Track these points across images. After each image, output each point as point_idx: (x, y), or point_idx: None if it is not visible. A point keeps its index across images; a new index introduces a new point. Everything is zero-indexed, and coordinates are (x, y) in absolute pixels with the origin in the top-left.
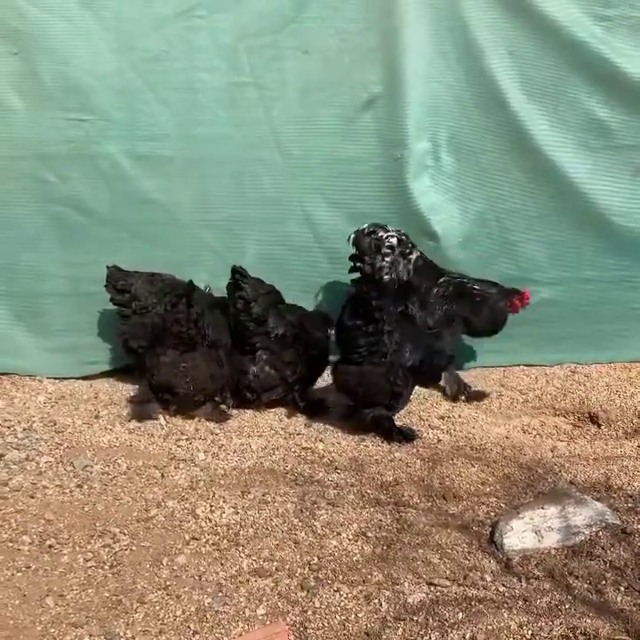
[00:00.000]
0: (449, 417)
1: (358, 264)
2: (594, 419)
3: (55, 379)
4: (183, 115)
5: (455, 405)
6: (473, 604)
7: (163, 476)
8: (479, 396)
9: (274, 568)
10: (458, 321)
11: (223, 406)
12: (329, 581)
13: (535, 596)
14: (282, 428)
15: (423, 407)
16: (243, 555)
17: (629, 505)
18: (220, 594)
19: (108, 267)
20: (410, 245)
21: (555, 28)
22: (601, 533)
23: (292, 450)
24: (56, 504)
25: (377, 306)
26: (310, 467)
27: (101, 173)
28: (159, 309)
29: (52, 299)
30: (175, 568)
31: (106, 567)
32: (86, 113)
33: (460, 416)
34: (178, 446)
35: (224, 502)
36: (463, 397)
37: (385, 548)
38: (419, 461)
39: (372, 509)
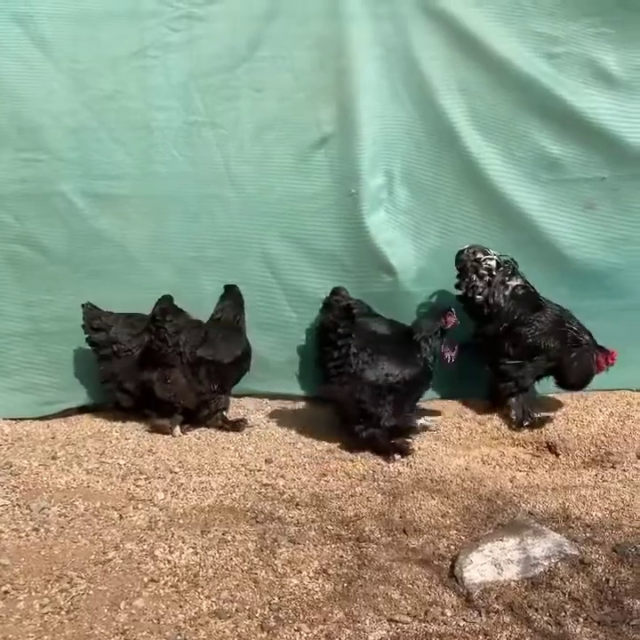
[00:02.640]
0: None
1: (457, 281)
2: (552, 448)
3: (11, 419)
4: (138, 153)
5: (414, 437)
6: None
7: (121, 517)
8: (542, 422)
9: (234, 609)
10: (542, 357)
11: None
12: (289, 621)
13: (495, 630)
14: (242, 465)
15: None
16: (202, 596)
17: (587, 535)
18: (179, 637)
19: (83, 305)
20: (510, 272)
21: (505, 66)
22: (560, 564)
23: (253, 487)
24: (12, 548)
25: (343, 334)
26: (271, 504)
27: (57, 212)
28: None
29: (9, 338)
30: (133, 612)
31: (62, 613)
32: (40, 152)
33: (419, 448)
34: (137, 486)
35: (183, 543)
36: (527, 423)
37: (346, 585)
38: (380, 495)
39: (333, 546)
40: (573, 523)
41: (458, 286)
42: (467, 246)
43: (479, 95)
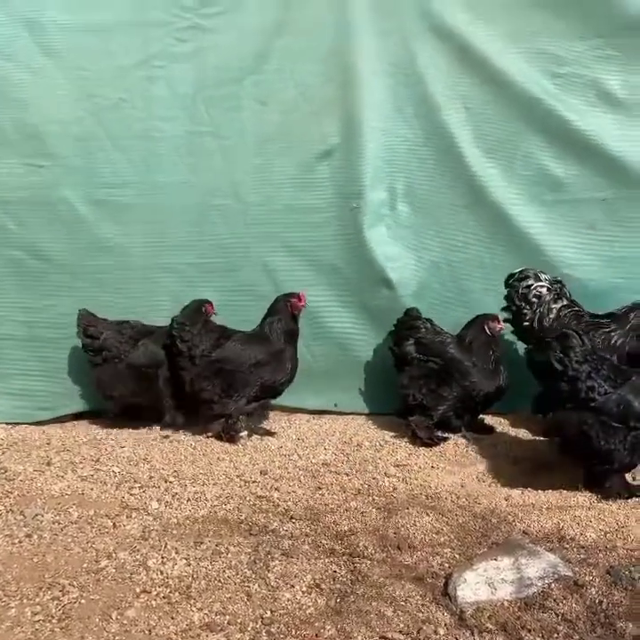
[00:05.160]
0: (405, 465)
1: (507, 304)
2: (548, 467)
3: (7, 424)
4: (141, 162)
5: (412, 453)
6: None
7: (114, 525)
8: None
9: (225, 622)
10: None
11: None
12: (281, 636)
13: None
14: (237, 476)
15: (379, 454)
16: (194, 608)
17: (581, 556)
18: None
19: (79, 311)
20: (555, 294)
21: (510, 85)
22: (553, 585)
23: (247, 498)
24: (4, 555)
25: None
26: (265, 516)
27: (60, 219)
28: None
29: (7, 343)
30: (125, 622)
31: (54, 621)
32: (45, 159)
33: (416, 464)
34: (131, 495)
35: (176, 553)
36: None
37: (338, 600)
38: (374, 510)
39: (326, 560)
40: (568, 543)
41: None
42: (519, 270)
43: (483, 113)
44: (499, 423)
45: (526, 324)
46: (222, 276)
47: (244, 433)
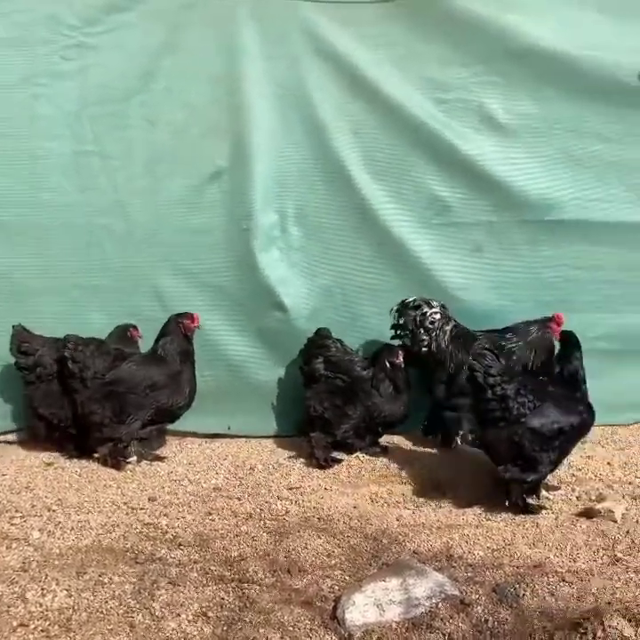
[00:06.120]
0: (298, 487)
1: (400, 332)
2: (439, 486)
3: None
4: (26, 181)
5: (305, 475)
6: None
7: None
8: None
9: None
10: None
11: None
12: None
13: None
14: (124, 503)
15: (273, 477)
16: None
17: (469, 574)
18: None
19: (13, 326)
20: (447, 317)
21: (397, 109)
22: (440, 605)
23: (134, 526)
24: None
25: None
26: (152, 544)
27: None
28: None
29: None
30: None
31: None
32: None
33: (309, 486)
34: (11, 525)
35: (57, 584)
36: None
37: (225, 628)
38: (265, 534)
39: (214, 587)
40: (456, 562)
41: (399, 337)
42: (412, 298)
43: (372, 137)
44: (391, 442)
45: (425, 349)
46: (110, 298)
47: (133, 458)
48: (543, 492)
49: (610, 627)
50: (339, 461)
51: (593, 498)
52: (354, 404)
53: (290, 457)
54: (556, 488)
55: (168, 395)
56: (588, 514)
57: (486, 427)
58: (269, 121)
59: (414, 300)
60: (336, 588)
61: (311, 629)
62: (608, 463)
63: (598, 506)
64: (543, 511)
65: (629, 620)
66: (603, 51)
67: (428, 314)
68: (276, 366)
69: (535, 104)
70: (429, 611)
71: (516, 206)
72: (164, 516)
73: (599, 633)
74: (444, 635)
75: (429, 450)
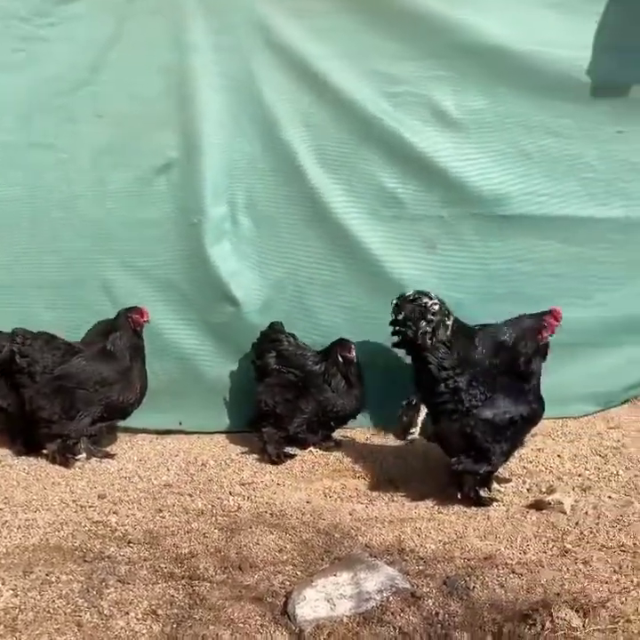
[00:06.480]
0: (251, 483)
1: (401, 328)
2: (392, 480)
3: None
4: None
5: (258, 471)
6: None
7: None
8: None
9: None
10: None
11: None
12: None
13: None
14: (73, 501)
15: (225, 473)
16: None
17: (420, 567)
18: None
19: None
20: (446, 311)
21: (347, 103)
22: (391, 598)
23: (83, 524)
24: None
25: None
26: (101, 542)
27: None
28: None
29: None
30: None
31: None
32: None
33: (262, 481)
34: None
35: (3, 584)
36: None
37: (175, 625)
38: (217, 531)
39: (164, 585)
40: (407, 555)
41: (400, 333)
42: (410, 292)
43: (323, 130)
44: (345, 438)
45: (429, 342)
46: (59, 292)
47: (82, 455)
48: (495, 485)
49: (558, 618)
50: (291, 456)
51: (543, 490)
52: (306, 399)
53: (242, 452)
54: (508, 480)
55: (118, 391)
56: (538, 506)
57: (439, 419)
58: (219, 113)
59: (413, 293)
60: (287, 583)
61: (262, 625)
62: (558, 455)
63: (548, 498)
64: (495, 503)
65: (577, 611)
66: (552, 47)
67: (429, 305)
68: (227, 361)
69: (486, 99)
70: (380, 604)
71: (467, 200)
72: (114, 513)
73: (547, 624)
74: (394, 628)
75: (383, 444)
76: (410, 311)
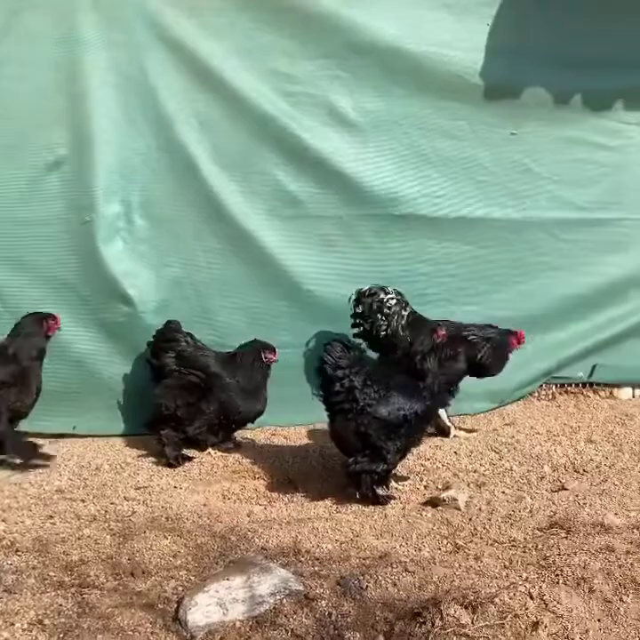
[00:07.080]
0: (147, 487)
1: (359, 321)
2: (291, 481)
3: None
4: None
5: (154, 474)
6: None
7: None
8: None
9: None
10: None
11: None
12: None
13: None
14: None
15: (120, 477)
16: None
17: (315, 568)
18: None
19: None
20: (404, 303)
21: (244, 101)
22: (285, 601)
23: None
24: None
25: None
26: None
27: None
28: None
29: None
30: None
31: None
32: None
33: (158, 485)
34: None
35: None
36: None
37: (62, 635)
38: (109, 537)
39: (53, 593)
40: (303, 556)
41: (359, 325)
42: (367, 287)
43: (219, 128)
44: (244, 438)
45: (383, 333)
46: None
47: None
48: (392, 483)
49: (448, 615)
50: (190, 459)
51: (439, 487)
52: (208, 401)
53: (139, 456)
54: (405, 478)
55: (16, 394)
56: (433, 503)
57: (334, 419)
58: (112, 110)
59: (370, 288)
60: (180, 588)
61: (152, 633)
62: (455, 452)
63: (443, 494)
64: (392, 501)
65: (466, 608)
66: (445, 48)
67: (385, 300)
68: (123, 362)
69: (382, 100)
70: (274, 607)
71: (364, 201)
72: (2, 521)
73: (437, 621)
74: (287, 631)
75: (283, 444)
76: (368, 306)
